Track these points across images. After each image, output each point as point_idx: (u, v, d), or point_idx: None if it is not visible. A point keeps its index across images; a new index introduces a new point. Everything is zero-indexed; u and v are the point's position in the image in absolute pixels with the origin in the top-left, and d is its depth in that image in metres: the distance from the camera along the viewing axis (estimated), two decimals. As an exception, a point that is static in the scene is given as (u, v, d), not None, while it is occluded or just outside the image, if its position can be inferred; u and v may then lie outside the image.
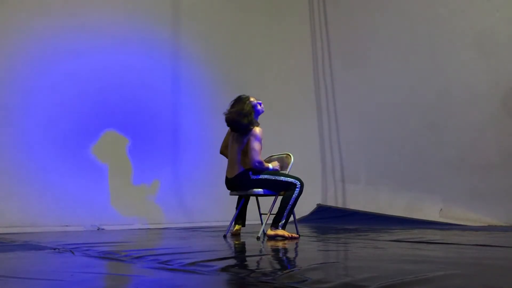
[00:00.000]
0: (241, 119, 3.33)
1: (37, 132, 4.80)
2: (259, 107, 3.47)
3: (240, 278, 1.61)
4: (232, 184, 3.48)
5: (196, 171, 5.70)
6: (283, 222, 3.29)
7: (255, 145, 3.34)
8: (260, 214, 3.84)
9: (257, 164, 3.34)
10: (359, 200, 6.28)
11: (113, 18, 5.45)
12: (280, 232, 3.28)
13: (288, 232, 3.33)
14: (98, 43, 5.26)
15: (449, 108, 5.48)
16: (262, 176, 3.34)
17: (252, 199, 3.81)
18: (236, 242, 3.15)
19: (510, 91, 4.97)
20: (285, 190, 3.34)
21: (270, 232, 3.29)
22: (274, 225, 3.29)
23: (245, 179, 3.36)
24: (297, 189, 3.31)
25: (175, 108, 5.88)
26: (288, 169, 3.51)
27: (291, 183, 3.32)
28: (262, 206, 3.87)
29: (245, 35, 6.68)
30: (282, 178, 3.33)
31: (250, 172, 3.36)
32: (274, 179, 3.33)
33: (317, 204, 6.64)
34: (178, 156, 5.78)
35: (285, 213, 3.28)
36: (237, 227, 3.70)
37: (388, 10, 6.33)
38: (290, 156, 3.58)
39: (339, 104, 6.88)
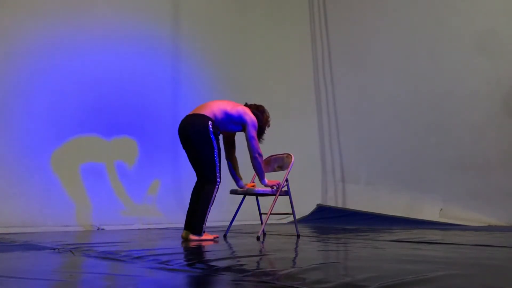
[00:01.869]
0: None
1: (37, 132, 4.80)
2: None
3: (240, 278, 1.61)
4: (184, 122, 3.21)
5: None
6: (204, 225, 3.11)
7: (254, 133, 3.22)
8: (260, 214, 3.84)
9: (257, 155, 3.21)
10: (359, 200, 6.27)
11: (113, 18, 5.45)
12: (204, 237, 3.12)
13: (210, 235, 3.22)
14: (98, 43, 5.25)
15: (449, 108, 5.48)
16: (210, 141, 3.10)
17: (251, 199, 3.80)
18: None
19: (511, 91, 4.97)
20: (207, 176, 3.13)
21: (193, 237, 3.09)
22: (197, 232, 3.08)
23: (200, 124, 3.10)
24: (215, 188, 3.13)
25: (175, 108, 5.87)
26: (289, 169, 3.50)
27: (216, 173, 3.13)
28: (262, 206, 3.87)
29: (245, 35, 6.68)
30: (217, 166, 3.13)
31: (210, 125, 3.10)
32: (213, 158, 3.11)
33: (317, 204, 6.64)
34: (178, 156, 5.77)
35: (206, 215, 3.10)
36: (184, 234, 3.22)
37: (389, 10, 6.33)
38: (290, 156, 3.58)
39: (339, 104, 6.87)
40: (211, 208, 3.17)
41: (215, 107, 3.23)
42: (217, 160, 3.15)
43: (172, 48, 5.97)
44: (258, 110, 3.37)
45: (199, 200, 3.16)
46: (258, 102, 3.61)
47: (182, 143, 3.30)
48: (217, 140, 3.20)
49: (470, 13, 5.40)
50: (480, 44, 5.19)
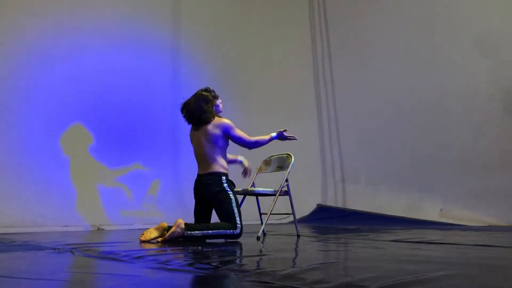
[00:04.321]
0: (202, 105, 3.27)
1: (37, 132, 4.80)
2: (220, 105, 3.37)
3: (240, 278, 1.61)
4: (200, 184, 3.23)
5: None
6: (194, 234, 3.01)
7: (238, 133, 3.19)
8: (260, 214, 3.84)
9: (252, 143, 3.22)
10: (359, 200, 6.28)
11: (113, 18, 5.45)
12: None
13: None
14: (98, 43, 5.25)
15: (449, 108, 5.48)
16: (227, 195, 3.11)
17: (251, 199, 3.80)
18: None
19: (511, 91, 4.97)
20: (227, 220, 3.10)
21: (181, 229, 2.98)
22: (188, 230, 2.99)
23: (215, 183, 3.15)
24: (233, 231, 3.07)
25: (175, 108, 5.84)
26: (289, 169, 3.50)
27: (236, 221, 3.09)
28: (262, 206, 3.87)
29: (245, 36, 6.67)
30: (236, 214, 3.10)
31: (224, 180, 3.15)
32: (231, 208, 3.10)
33: (317, 204, 6.64)
34: (178, 156, 5.77)
35: (204, 232, 3.02)
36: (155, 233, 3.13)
37: (389, 10, 6.33)
38: (290, 156, 3.58)
39: (339, 104, 6.87)
40: (210, 235, 3.07)
41: (215, 155, 3.20)
42: (235, 209, 3.13)
43: (172, 49, 5.97)
44: (206, 92, 3.45)
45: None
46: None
47: (198, 199, 3.34)
48: (233, 191, 3.19)
49: (470, 14, 5.40)
50: (481, 44, 5.20)
